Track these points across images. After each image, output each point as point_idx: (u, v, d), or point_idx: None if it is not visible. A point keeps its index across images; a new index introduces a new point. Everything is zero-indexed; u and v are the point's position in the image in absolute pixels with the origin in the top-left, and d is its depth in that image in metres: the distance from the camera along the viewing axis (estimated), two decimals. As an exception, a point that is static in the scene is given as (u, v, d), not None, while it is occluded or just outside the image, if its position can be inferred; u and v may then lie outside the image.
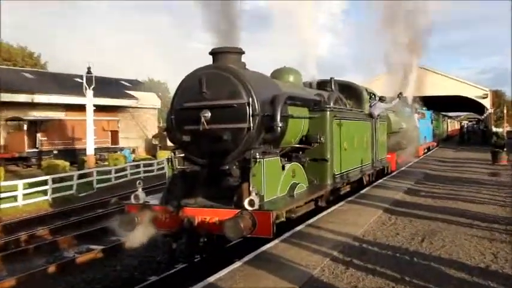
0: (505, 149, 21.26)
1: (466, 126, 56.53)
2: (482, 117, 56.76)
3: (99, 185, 21.62)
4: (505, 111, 39.52)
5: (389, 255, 6.62)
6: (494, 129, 40.61)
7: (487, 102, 41.02)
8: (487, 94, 40.29)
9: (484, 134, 43.29)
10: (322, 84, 12.06)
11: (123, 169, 24.81)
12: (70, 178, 20.35)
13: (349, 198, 11.13)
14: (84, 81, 24.06)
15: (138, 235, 7.62)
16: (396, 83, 25.25)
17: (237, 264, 6.31)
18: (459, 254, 6.65)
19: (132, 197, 8.01)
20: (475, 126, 65.55)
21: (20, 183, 17.56)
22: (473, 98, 40.54)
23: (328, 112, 9.68)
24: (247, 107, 7.52)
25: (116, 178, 23.22)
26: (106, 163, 29.08)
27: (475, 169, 18.43)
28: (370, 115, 12.97)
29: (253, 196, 6.86)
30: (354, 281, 5.61)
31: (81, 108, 26.57)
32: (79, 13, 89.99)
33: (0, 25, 64.37)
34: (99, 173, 22.46)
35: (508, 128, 48.47)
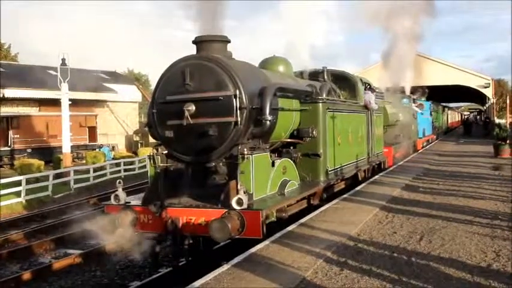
0: (508, 142, 21.44)
1: (471, 117, 56.84)
2: (484, 107, 57.22)
3: (76, 185, 21.51)
4: (507, 101, 39.73)
5: (386, 255, 6.68)
6: (496, 120, 40.88)
7: (489, 92, 41.35)
8: (489, 83, 40.60)
9: (486, 125, 43.62)
10: (315, 74, 12.08)
11: (102, 168, 24.68)
12: (45, 178, 20.23)
13: (344, 196, 11.19)
14: (59, 73, 23.94)
15: (118, 238, 7.63)
16: (393, 72, 25.29)
17: (225, 267, 6.33)
18: (459, 252, 6.72)
19: (112, 197, 7.98)
20: (477, 117, 65.99)
21: (-10, 184, 17.43)
22: (474, 87, 40.84)
23: (320, 104, 9.71)
24: (234, 100, 7.52)
25: (95, 178, 23.09)
26: (84, 162, 28.95)
27: (477, 163, 18.60)
28: (366, 107, 13.02)
29: (241, 195, 6.86)
30: (349, 283, 5.65)
31: (55, 102, 26.44)
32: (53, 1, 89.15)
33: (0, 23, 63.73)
34: (76, 172, 22.35)
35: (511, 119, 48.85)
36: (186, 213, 7.29)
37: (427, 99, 32.60)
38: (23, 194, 18.19)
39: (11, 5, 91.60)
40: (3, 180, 18.40)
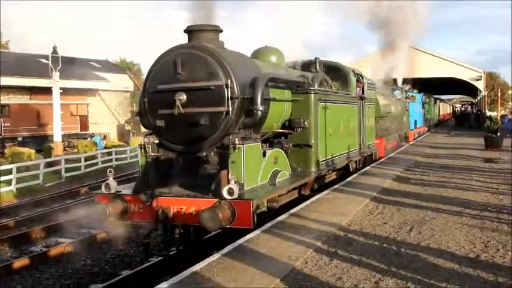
0: (498, 134, 21.57)
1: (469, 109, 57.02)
2: (476, 100, 57.49)
3: (67, 174, 21.45)
4: (499, 94, 40.01)
5: (376, 246, 6.71)
6: (488, 113, 41.11)
7: (480, 85, 41.53)
8: (480, 76, 40.76)
9: (478, 118, 43.84)
10: (307, 65, 12.06)
11: (94, 157, 24.62)
12: (36, 167, 20.15)
13: (335, 186, 11.21)
14: (50, 61, 23.75)
15: (109, 227, 7.63)
16: (385, 63, 25.35)
17: (215, 256, 6.34)
18: (448, 243, 6.76)
19: (103, 186, 7.96)
20: (468, 109, 66.30)
21: (-20, 172, 17.36)
22: (466, 80, 41.00)
23: (312, 95, 9.71)
24: (226, 89, 7.50)
25: (86, 167, 23.04)
26: (75, 150, 28.85)
27: (468, 155, 18.70)
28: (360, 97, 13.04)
29: (232, 184, 6.88)
30: (339, 272, 5.68)
31: (47, 91, 26.27)
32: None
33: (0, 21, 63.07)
34: (67, 161, 22.27)
35: (503, 112, 49.13)
36: (177, 202, 7.29)
37: (419, 91, 32.67)
38: (13, 183, 18.12)
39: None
40: (-6, 169, 18.33)
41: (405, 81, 28.13)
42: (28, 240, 11.58)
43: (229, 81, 7.50)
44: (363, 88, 13.64)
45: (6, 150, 25.88)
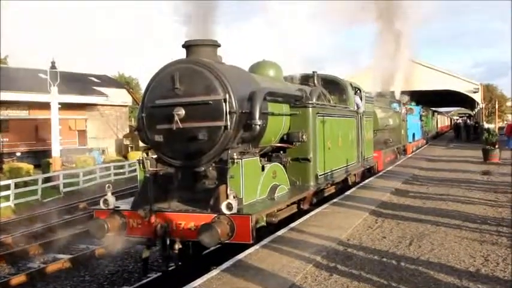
0: (496, 146, 21.58)
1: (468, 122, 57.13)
2: (474, 112, 57.64)
3: (66, 189, 21.40)
4: (496, 106, 40.11)
5: (375, 260, 6.68)
6: (485, 125, 41.18)
7: (478, 97, 41.69)
8: (478, 88, 40.95)
9: (476, 130, 43.93)
10: (305, 79, 12.08)
11: (92, 172, 24.57)
12: (35, 182, 20.10)
13: (334, 200, 11.20)
14: (48, 76, 23.77)
15: (108, 243, 7.58)
16: (383, 77, 25.45)
17: (214, 272, 6.30)
18: (448, 257, 6.74)
19: (101, 201, 7.92)
20: (467, 122, 66.49)
21: (-22, 188, 17.30)
22: (464, 92, 41.18)
23: (310, 108, 9.71)
24: (224, 104, 7.49)
25: (85, 182, 23.01)
26: (73, 165, 28.79)
27: (466, 168, 18.70)
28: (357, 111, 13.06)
29: (231, 199, 6.84)
30: (338, 288, 5.65)
31: (45, 106, 26.26)
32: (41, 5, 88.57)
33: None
34: (66, 176, 22.23)
35: (500, 124, 49.22)
36: (176, 217, 7.25)
37: (417, 104, 32.76)
38: (11, 198, 18.06)
39: None
40: (-8, 184, 18.26)
41: (403, 93, 28.21)
42: (26, 256, 11.52)
43: (227, 95, 7.49)
44: (360, 101, 13.65)
45: (4, 166, 25.79)
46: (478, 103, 43.85)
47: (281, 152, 9.61)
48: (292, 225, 8.72)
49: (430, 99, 48.04)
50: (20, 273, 10.08)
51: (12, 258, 11.24)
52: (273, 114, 8.66)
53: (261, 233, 7.65)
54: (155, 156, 8.21)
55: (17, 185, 18.74)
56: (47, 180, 21.00)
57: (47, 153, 27.80)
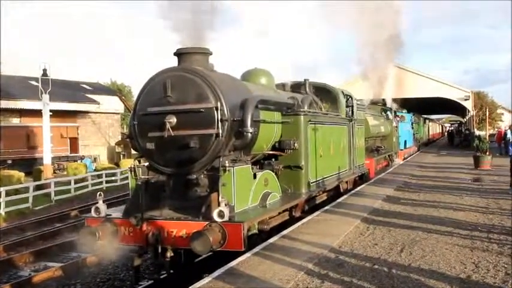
0: (487, 153, 21.69)
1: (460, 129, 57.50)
2: (465, 119, 57.95)
3: (57, 197, 21.29)
4: (487, 113, 40.39)
5: (367, 267, 6.69)
6: (476, 132, 41.38)
7: (469, 104, 41.92)
8: (469, 96, 41.18)
9: (467, 137, 44.15)
10: (296, 87, 12.12)
11: (84, 179, 24.47)
12: (26, 190, 19.99)
13: (326, 208, 11.21)
14: (40, 84, 23.71)
15: (99, 251, 7.55)
16: (373, 84, 25.57)
17: (206, 280, 6.30)
18: (439, 264, 6.76)
19: (93, 209, 7.90)
20: (459, 129, 66.81)
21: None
22: (455, 99, 41.39)
23: (302, 116, 9.74)
24: (216, 112, 7.52)
25: (76, 189, 22.90)
26: (65, 173, 28.67)
27: (457, 175, 18.77)
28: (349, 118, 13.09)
29: (222, 207, 6.85)
30: (330, 295, 5.66)
31: (37, 113, 26.17)
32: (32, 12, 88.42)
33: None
34: (57, 184, 22.12)
35: (491, 131, 49.49)
36: (167, 225, 7.24)
37: (409, 111, 32.91)
38: (2, 206, 17.94)
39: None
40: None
41: (394, 101, 28.32)
42: (16, 264, 11.43)
43: (219, 103, 7.52)
44: (352, 109, 13.70)
45: (-5, 174, 25.64)
46: (469, 110, 44.08)
47: (273, 159, 9.62)
48: (284, 232, 8.72)
49: (421, 107, 48.27)
50: (10, 282, 10.01)
51: (2, 267, 11.14)
52: (264, 121, 8.68)
53: (253, 240, 7.65)
54: (147, 163, 8.22)
55: (7, 193, 18.61)
56: (38, 188, 20.88)
57: (38, 160, 27.69)
